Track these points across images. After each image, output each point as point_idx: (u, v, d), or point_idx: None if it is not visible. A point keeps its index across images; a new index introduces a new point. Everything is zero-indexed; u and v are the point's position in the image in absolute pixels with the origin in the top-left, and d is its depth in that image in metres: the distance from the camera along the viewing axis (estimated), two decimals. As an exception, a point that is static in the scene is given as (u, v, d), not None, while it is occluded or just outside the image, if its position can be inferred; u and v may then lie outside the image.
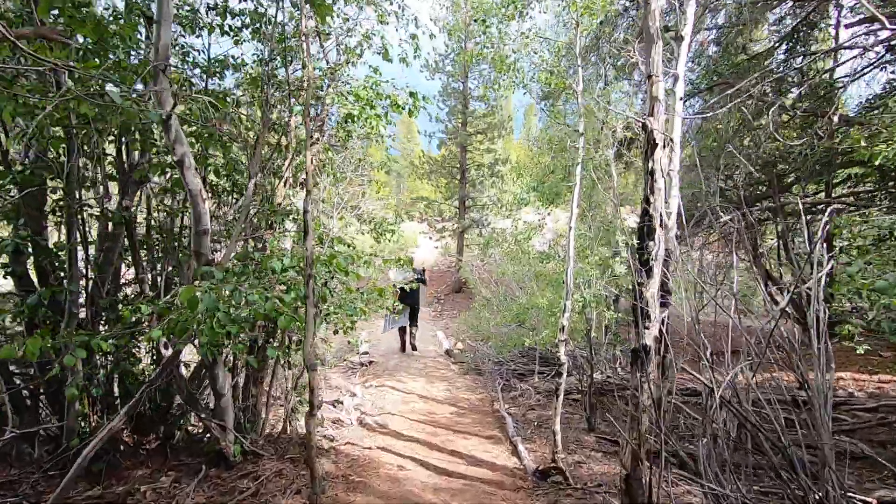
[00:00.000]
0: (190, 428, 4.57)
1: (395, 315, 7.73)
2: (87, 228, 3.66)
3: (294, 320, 2.49)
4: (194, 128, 3.23)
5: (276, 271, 2.61)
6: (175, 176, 4.10)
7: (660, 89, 2.82)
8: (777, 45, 8.96)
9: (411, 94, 4.04)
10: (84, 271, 3.76)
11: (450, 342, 10.00)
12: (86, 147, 3.52)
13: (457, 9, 12.67)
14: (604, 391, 6.11)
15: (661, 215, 2.78)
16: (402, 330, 9.23)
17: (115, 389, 4.05)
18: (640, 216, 2.86)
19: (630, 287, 6.20)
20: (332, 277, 3.76)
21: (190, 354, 4.43)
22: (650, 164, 2.80)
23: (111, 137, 3.65)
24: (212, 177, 4.65)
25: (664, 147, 2.78)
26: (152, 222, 4.35)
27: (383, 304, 4.27)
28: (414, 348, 9.35)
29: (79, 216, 3.52)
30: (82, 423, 3.81)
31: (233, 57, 4.46)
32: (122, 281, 4.29)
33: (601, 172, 7.04)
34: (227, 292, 2.20)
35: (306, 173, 2.79)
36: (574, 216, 4.35)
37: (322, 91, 4.14)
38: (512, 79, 5.20)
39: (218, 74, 4.45)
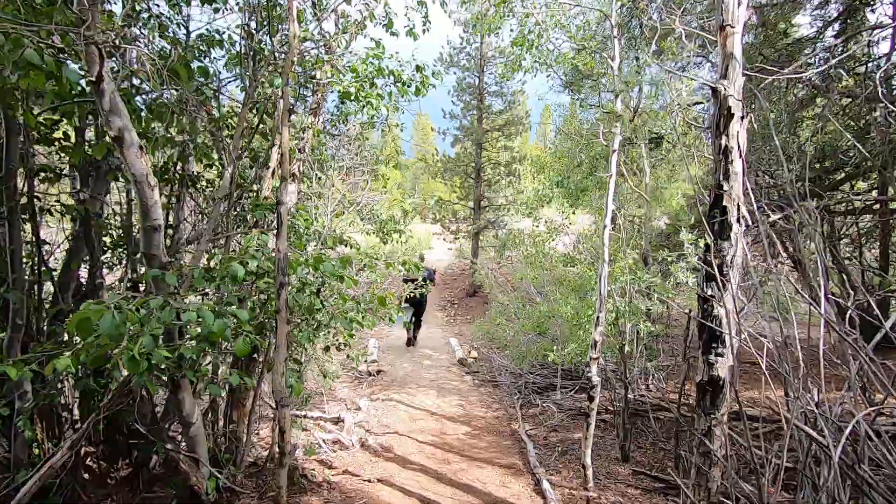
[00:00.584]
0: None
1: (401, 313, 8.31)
2: (38, 225, 3.14)
3: (253, 345, 1.92)
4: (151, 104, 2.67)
5: (238, 278, 2.04)
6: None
7: (736, 43, 2.17)
8: (823, 28, 8.17)
9: (418, 69, 3.44)
10: (38, 275, 3.27)
11: (463, 350, 9.37)
12: (43, 128, 3.02)
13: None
14: (637, 412, 5.41)
15: (738, 207, 2.12)
16: (408, 328, 9.48)
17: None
18: (710, 208, 2.22)
19: (668, 295, 5.51)
20: (323, 284, 3.18)
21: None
22: (723, 141, 2.15)
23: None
24: (197, 168, 4.14)
25: (743, 118, 2.13)
26: (133, 220, 3.85)
27: (385, 316, 3.68)
28: (414, 340, 9.72)
29: (27, 210, 3.01)
30: (36, 451, 3.30)
31: (217, 32, 3.93)
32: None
33: (632, 166, 6.37)
34: (157, 308, 1.63)
35: (280, 155, 2.21)
36: (609, 211, 3.70)
37: (317, 71, 3.58)
38: (535, 57, 4.58)
39: (203, 53, 3.92)
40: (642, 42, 4.57)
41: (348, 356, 4.70)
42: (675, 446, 4.42)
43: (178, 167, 3.85)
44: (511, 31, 5.03)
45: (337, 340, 3.47)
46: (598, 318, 3.72)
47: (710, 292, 2.12)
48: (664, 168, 8.04)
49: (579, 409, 6.04)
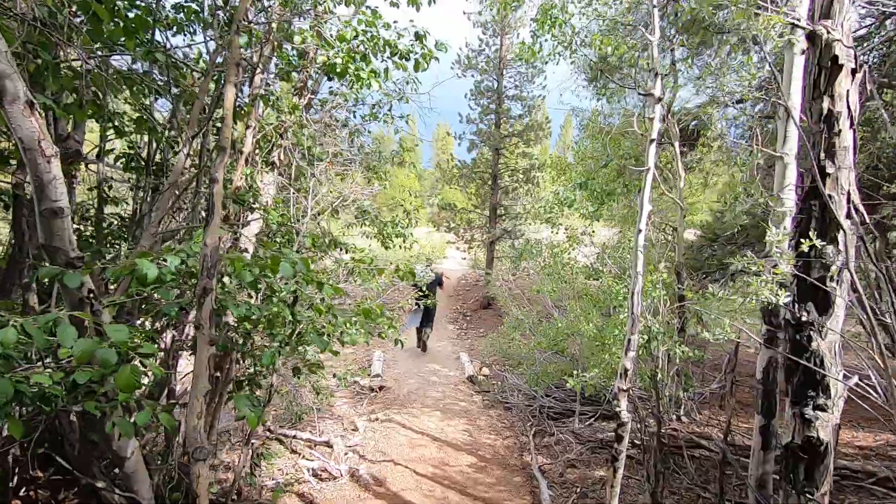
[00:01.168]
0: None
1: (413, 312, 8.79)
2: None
3: (137, 379, 1.36)
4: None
5: (147, 280, 1.50)
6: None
7: (844, -31, 1.56)
8: (880, 22, 7.41)
9: (417, 37, 2.89)
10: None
11: (474, 367, 8.72)
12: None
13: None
14: (669, 449, 4.69)
15: (849, 196, 1.49)
16: (417, 330, 9.34)
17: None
18: (803, 199, 1.59)
19: (701, 312, 4.81)
20: (295, 291, 2.62)
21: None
22: (825, 104, 1.53)
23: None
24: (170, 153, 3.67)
25: (855, 72, 1.51)
26: (104, 211, 3.41)
27: (375, 331, 3.10)
28: (425, 347, 9.50)
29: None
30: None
31: (197, 3, 3.47)
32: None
33: (664, 169, 5.71)
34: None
35: (223, 119, 1.67)
36: (645, 213, 3.07)
37: (297, 37, 3.06)
38: (558, 39, 4.00)
39: (182, 28, 3.44)
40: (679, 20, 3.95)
41: (335, 375, 4.11)
42: (719, 496, 3.71)
43: (146, 152, 3.40)
44: (532, 21, 4.51)
45: (308, 361, 2.90)
46: (629, 340, 3.07)
47: (806, 317, 1.49)
48: (698, 175, 7.34)
49: (601, 440, 5.35)
